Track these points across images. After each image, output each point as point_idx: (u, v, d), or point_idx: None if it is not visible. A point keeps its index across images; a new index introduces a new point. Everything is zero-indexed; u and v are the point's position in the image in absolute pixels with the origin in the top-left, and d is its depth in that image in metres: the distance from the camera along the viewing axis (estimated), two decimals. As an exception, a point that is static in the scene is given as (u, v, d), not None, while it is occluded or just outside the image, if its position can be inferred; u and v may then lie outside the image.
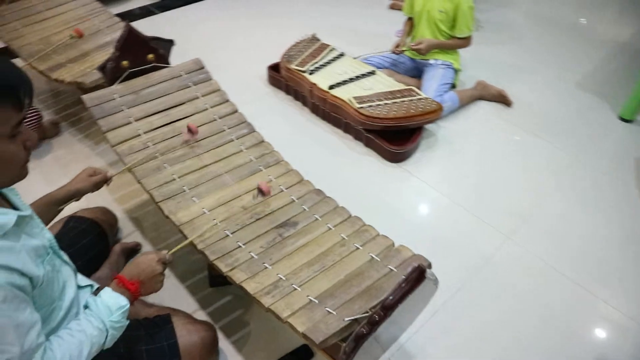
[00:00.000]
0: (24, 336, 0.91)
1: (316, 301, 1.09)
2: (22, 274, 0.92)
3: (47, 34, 2.35)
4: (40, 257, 1.01)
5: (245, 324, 1.52)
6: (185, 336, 1.30)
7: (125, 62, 1.77)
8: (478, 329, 1.53)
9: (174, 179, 1.53)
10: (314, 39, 2.66)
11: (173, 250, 1.21)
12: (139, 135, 1.64)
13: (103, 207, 1.76)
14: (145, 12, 3.42)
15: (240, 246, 1.29)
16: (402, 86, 2.31)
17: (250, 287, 1.16)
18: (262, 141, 1.71)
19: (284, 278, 1.18)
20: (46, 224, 1.36)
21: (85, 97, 1.68)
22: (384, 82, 2.34)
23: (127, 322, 1.13)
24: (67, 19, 2.47)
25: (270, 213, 1.41)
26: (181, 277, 1.67)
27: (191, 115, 1.74)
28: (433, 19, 2.41)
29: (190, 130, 1.61)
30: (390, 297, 0.88)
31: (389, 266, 1.17)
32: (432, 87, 2.38)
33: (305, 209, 1.42)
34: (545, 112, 2.49)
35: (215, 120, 1.74)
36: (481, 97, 2.55)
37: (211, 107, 1.78)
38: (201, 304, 1.59)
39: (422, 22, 2.46)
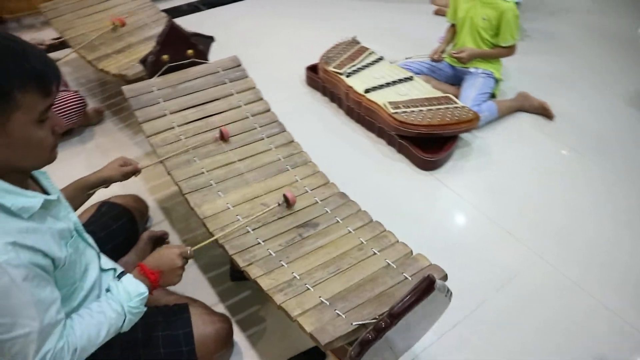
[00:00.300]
0: (43, 312, 0.95)
1: (327, 303, 1.09)
2: (45, 254, 0.96)
3: (98, 26, 2.45)
4: (64, 239, 1.05)
5: (262, 320, 1.54)
6: (201, 326, 1.33)
7: (165, 57, 1.83)
8: (496, 347, 1.49)
9: (203, 173, 1.56)
10: (353, 41, 2.66)
11: (197, 246, 1.25)
12: (173, 128, 1.69)
13: (136, 195, 1.82)
14: (192, 8, 3.52)
15: (259, 243, 1.31)
16: (438, 93, 2.28)
17: (265, 283, 1.18)
18: (292, 141, 1.72)
19: (298, 277, 1.19)
20: (76, 207, 1.43)
21: (125, 88, 1.74)
22: (420, 89, 2.31)
23: (145, 309, 1.16)
24: (117, 12, 2.57)
25: (292, 213, 1.42)
26: (204, 269, 1.70)
27: (224, 112, 1.77)
28: (476, 27, 2.36)
29: (222, 135, 1.64)
30: (398, 306, 0.87)
31: (404, 274, 1.15)
32: (470, 95, 2.34)
33: (327, 211, 1.42)
34: (590, 128, 2.39)
35: (247, 117, 1.77)
36: (521, 109, 2.47)
37: (244, 104, 1.81)
38: (221, 296, 1.61)
39: (465, 29, 2.42)
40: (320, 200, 1.47)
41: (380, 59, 2.53)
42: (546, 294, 1.64)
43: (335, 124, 2.40)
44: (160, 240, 1.82)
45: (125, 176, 1.45)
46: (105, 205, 1.67)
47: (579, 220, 1.91)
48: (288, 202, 1.40)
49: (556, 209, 1.96)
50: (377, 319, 0.98)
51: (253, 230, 1.36)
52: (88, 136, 2.29)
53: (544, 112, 2.44)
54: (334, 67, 2.43)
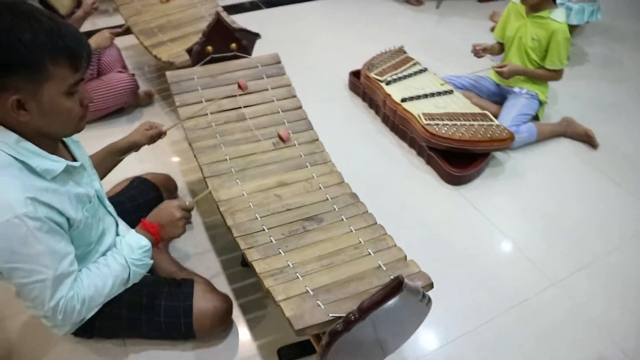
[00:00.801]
0: (57, 262, 1.06)
1: (311, 293, 1.14)
2: (61, 213, 1.07)
3: (159, 14, 2.62)
4: (82, 203, 1.16)
5: (263, 307, 1.60)
6: (201, 301, 1.41)
7: (209, 48, 1.94)
8: (492, 368, 1.47)
9: (226, 160, 1.65)
10: (400, 51, 2.68)
11: (196, 198, 1.37)
12: (206, 114, 1.78)
13: (167, 174, 1.94)
14: (254, 6, 3.66)
15: (264, 229, 1.37)
16: (476, 109, 2.25)
17: (259, 267, 1.24)
18: (316, 140, 1.77)
19: (291, 266, 1.24)
20: (108, 171, 1.55)
21: (168, 73, 1.86)
22: (459, 103, 2.30)
23: (151, 261, 1.25)
24: (180, 3, 2.73)
25: (301, 206, 1.47)
26: (218, 252, 1.79)
27: (257, 105, 1.85)
28: (524, 46, 2.31)
29: (239, 87, 1.73)
30: (367, 302, 0.90)
31: (392, 277, 1.17)
32: (510, 115, 2.29)
33: (335, 209, 1.46)
34: (634, 160, 2.28)
35: (277, 112, 1.84)
36: (564, 134, 2.39)
37: (277, 100, 1.88)
38: (229, 279, 1.69)
39: (513, 49, 2.37)
40: (331, 198, 1.51)
41: (424, 70, 2.53)
42: (557, 324, 1.59)
43: (370, 129, 2.43)
44: (183, 219, 1.93)
45: (152, 139, 1.55)
46: (137, 179, 1.80)
47: (611, 257, 1.82)
48: (282, 140, 1.53)
49: (587, 242, 1.88)
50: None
51: (261, 217, 1.42)
52: (136, 116, 2.45)
53: (588, 139, 2.35)
54: (375, 74, 2.47)
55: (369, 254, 1.27)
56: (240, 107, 1.83)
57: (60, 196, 1.08)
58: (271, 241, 1.33)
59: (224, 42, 1.97)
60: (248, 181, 1.58)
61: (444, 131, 2.08)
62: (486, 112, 2.23)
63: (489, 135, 2.07)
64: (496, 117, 2.29)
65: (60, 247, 1.07)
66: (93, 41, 2.23)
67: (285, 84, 1.95)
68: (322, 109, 2.56)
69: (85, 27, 2.63)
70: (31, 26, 0.94)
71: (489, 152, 2.14)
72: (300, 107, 1.89)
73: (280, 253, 1.29)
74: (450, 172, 2.07)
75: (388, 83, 2.41)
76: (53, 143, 1.13)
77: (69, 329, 1.29)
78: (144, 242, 1.21)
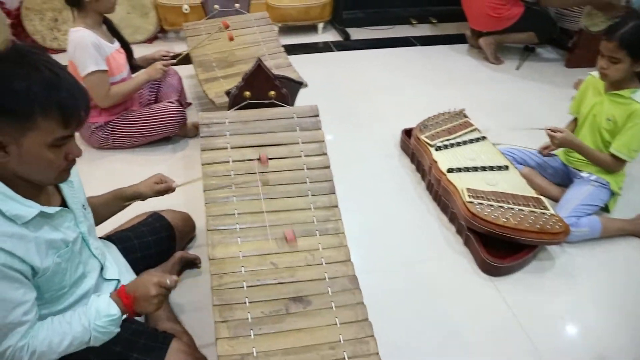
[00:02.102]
0: (8, 310, 1.02)
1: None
2: (23, 261, 1.03)
3: (222, 49, 2.66)
4: (54, 249, 1.12)
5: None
6: None
7: (247, 93, 1.90)
8: None
9: (233, 214, 1.57)
10: (460, 114, 2.49)
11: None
12: (228, 162, 1.73)
13: (187, 214, 1.91)
14: (325, 47, 3.65)
15: (245, 303, 1.27)
16: (530, 193, 2.01)
17: (222, 348, 1.14)
18: (334, 206, 1.64)
19: (254, 354, 1.12)
20: (112, 214, 1.54)
21: (201, 114, 1.84)
22: (512, 182, 2.06)
23: (117, 330, 1.18)
24: (245, 40, 2.76)
25: (295, 281, 1.35)
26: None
27: (283, 158, 1.77)
28: (598, 126, 2.04)
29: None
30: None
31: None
32: (571, 203, 2.02)
33: (329, 292, 1.32)
34: None
35: (302, 169, 1.74)
36: (636, 234, 2.06)
37: (305, 155, 1.78)
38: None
39: (585, 127, 2.11)
40: (329, 278, 1.37)
41: (482, 138, 2.32)
42: None
43: (410, 194, 2.26)
44: (191, 263, 1.87)
45: (159, 193, 1.54)
46: (153, 216, 1.78)
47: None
48: (286, 240, 1.42)
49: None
50: None
51: (247, 287, 1.32)
52: (181, 146, 2.48)
53: (666, 247, 2.00)
54: (426, 137, 2.30)
55: (344, 358, 1.12)
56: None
57: (27, 243, 1.05)
58: (247, 319, 1.22)
59: (262, 88, 1.92)
60: (249, 241, 1.48)
61: (486, 212, 1.86)
62: (541, 197, 1.98)
63: (538, 226, 1.82)
64: (558, 201, 2.03)
65: (14, 296, 1.03)
66: (146, 72, 2.30)
67: (318, 140, 1.85)
68: (367, 164, 2.44)
69: (141, 51, 2.71)
70: (29, 75, 0.94)
71: (539, 245, 1.89)
72: (328, 167, 1.78)
73: (250, 335, 1.17)
74: (487, 260, 1.84)
75: (438, 149, 2.23)
76: (34, 187, 1.11)
77: None
78: (114, 311, 1.15)
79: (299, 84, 2.11)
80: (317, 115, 1.92)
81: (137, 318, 1.36)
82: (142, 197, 1.52)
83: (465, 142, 2.29)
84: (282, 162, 1.75)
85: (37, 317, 1.10)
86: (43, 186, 1.14)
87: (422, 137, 2.31)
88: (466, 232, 1.95)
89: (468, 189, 1.98)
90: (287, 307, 1.26)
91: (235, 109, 1.89)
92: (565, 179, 2.24)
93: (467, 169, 2.11)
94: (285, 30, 3.84)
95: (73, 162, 1.10)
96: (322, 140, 1.86)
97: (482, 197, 1.94)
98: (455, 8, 3.56)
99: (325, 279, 1.36)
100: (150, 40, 3.64)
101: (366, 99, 2.99)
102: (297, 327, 1.20)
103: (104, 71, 2.19)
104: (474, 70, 3.41)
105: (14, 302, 1.03)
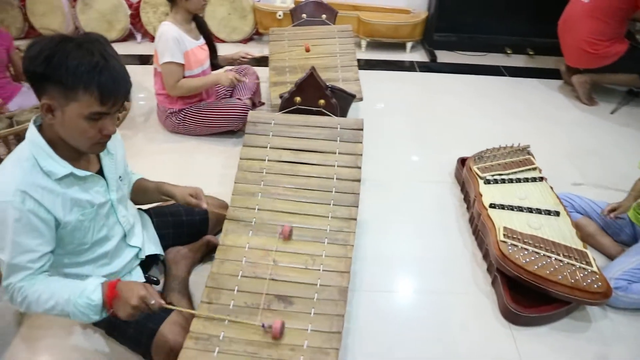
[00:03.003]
0: (16, 253, 1.18)
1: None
2: (48, 211, 1.20)
3: (297, 56, 2.79)
4: (79, 207, 1.28)
5: None
6: (167, 330, 1.39)
7: (298, 99, 1.99)
8: None
9: (254, 208, 1.66)
10: (523, 150, 2.36)
11: (166, 306, 1.23)
12: (263, 160, 1.83)
13: (225, 202, 2.02)
14: (409, 67, 3.64)
15: (233, 291, 1.35)
16: (576, 244, 1.85)
17: (195, 325, 1.28)
18: (353, 219, 1.67)
19: (220, 338, 1.20)
20: (151, 201, 1.70)
21: (251, 113, 1.96)
22: (558, 230, 1.91)
23: (95, 317, 1.22)
24: (322, 51, 2.86)
25: (286, 281, 1.41)
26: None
27: (316, 165, 1.82)
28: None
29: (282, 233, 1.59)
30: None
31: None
32: (625, 265, 1.82)
33: (314, 298, 1.35)
34: None
35: (332, 179, 1.78)
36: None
37: (339, 166, 1.82)
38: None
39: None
40: (320, 285, 1.40)
41: (540, 179, 2.18)
42: None
43: (452, 224, 2.19)
44: (214, 249, 1.99)
45: (188, 204, 1.58)
46: (195, 198, 1.92)
47: None
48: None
49: None
50: None
51: (242, 276, 1.40)
52: (242, 141, 2.63)
53: None
54: (478, 168, 2.22)
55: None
56: (298, 163, 1.83)
57: (55, 197, 1.22)
58: (229, 305, 1.30)
59: (313, 96, 2.00)
60: (259, 236, 1.57)
61: (518, 256, 1.76)
62: (587, 251, 1.82)
63: (573, 280, 1.68)
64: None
65: (27, 242, 1.18)
66: (217, 76, 2.50)
67: (356, 153, 1.88)
68: (417, 186, 2.41)
69: (226, 49, 2.89)
70: (82, 57, 1.11)
71: (574, 302, 1.74)
72: (358, 181, 1.80)
73: (225, 322, 1.24)
74: (509, 306, 1.73)
75: (487, 182, 2.14)
76: (75, 152, 1.28)
77: (20, 310, 1.41)
78: (95, 296, 1.19)
79: (351, 97, 2.15)
80: (361, 129, 1.95)
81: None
82: (174, 199, 1.62)
83: (519, 180, 2.17)
84: (315, 169, 1.81)
85: (44, 269, 1.24)
86: (83, 152, 1.31)
87: (474, 167, 2.23)
88: (495, 271, 1.86)
89: (505, 228, 1.88)
90: (269, 303, 1.31)
91: (284, 112, 1.99)
92: (630, 238, 2.02)
93: (511, 207, 2.00)
94: (374, 45, 3.89)
95: (107, 137, 1.24)
96: (359, 153, 1.89)
97: (518, 238, 1.83)
98: (557, 41, 3.35)
99: (316, 284, 1.40)
100: (246, 40, 3.90)
101: (436, 121, 2.94)
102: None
103: (178, 64, 2.41)
104: (562, 108, 3.19)
105: (25, 248, 1.19)
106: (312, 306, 1.32)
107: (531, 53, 3.81)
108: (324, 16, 3.04)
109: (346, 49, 2.89)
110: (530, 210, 1.99)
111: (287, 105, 2.01)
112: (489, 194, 2.08)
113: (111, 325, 1.47)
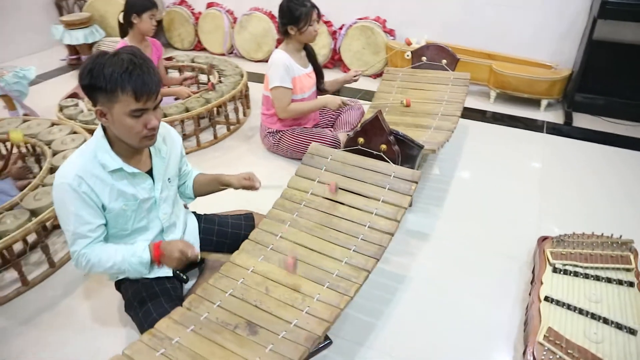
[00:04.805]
0: (78, 224, 1.46)
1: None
2: (98, 196, 1.46)
3: (401, 96, 2.77)
4: (124, 198, 1.52)
5: None
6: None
7: (360, 139, 1.99)
8: None
9: (277, 235, 1.72)
10: (623, 244, 1.96)
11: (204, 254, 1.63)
12: (307, 192, 1.88)
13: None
14: (537, 127, 3.30)
15: (214, 304, 1.43)
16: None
17: (160, 323, 1.36)
18: (366, 270, 1.59)
19: (173, 343, 1.27)
20: (209, 192, 1.89)
21: (313, 144, 2.02)
22: (624, 349, 1.56)
23: (145, 272, 1.53)
24: (429, 96, 2.79)
25: (266, 312, 1.43)
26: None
27: (354, 208, 1.81)
28: None
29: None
30: None
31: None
32: None
33: (279, 335, 1.35)
34: None
35: (364, 226, 1.74)
36: None
37: (377, 214, 1.78)
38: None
39: None
40: (294, 325, 1.39)
41: (631, 284, 1.80)
42: None
43: (506, 307, 1.93)
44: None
45: (243, 187, 1.81)
46: (247, 215, 2.04)
47: None
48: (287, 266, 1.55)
49: None
50: None
51: (229, 295, 1.47)
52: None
53: None
54: (552, 252, 1.93)
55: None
56: (338, 202, 1.83)
57: (105, 186, 1.47)
58: (205, 317, 1.38)
59: (376, 140, 1.98)
60: (268, 263, 1.62)
61: (550, 364, 1.50)
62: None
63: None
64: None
65: (84, 215, 1.45)
66: (325, 99, 2.64)
67: (400, 205, 1.81)
68: (484, 255, 2.19)
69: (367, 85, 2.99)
70: (116, 65, 1.34)
71: None
72: (390, 235, 1.72)
73: (187, 328, 1.33)
74: (524, 418, 1.49)
75: (555, 270, 1.86)
76: (130, 150, 1.50)
77: (84, 272, 1.69)
78: (145, 255, 1.50)
79: (419, 147, 2.06)
80: (416, 182, 1.87)
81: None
82: (231, 186, 1.81)
83: (599, 278, 1.82)
84: (352, 212, 1.80)
85: (101, 239, 1.52)
86: (137, 151, 1.53)
87: (548, 250, 1.95)
88: (524, 373, 1.60)
89: (550, 329, 1.61)
90: (237, 326, 1.36)
91: (344, 150, 2.01)
92: None
93: (570, 307, 1.70)
94: (505, 98, 3.63)
95: (153, 130, 1.43)
96: (404, 206, 1.81)
97: (561, 346, 1.56)
98: None
99: (291, 323, 1.39)
100: (376, 75, 3.98)
101: (539, 190, 2.62)
102: (224, 345, 1.29)
103: (287, 88, 2.60)
104: None
105: (84, 220, 1.46)
106: (272, 342, 1.32)
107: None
108: (444, 61, 2.96)
109: (455, 97, 2.78)
110: (595, 317, 1.67)
111: (350, 144, 2.02)
112: (551, 284, 1.80)
113: (129, 304, 1.67)
